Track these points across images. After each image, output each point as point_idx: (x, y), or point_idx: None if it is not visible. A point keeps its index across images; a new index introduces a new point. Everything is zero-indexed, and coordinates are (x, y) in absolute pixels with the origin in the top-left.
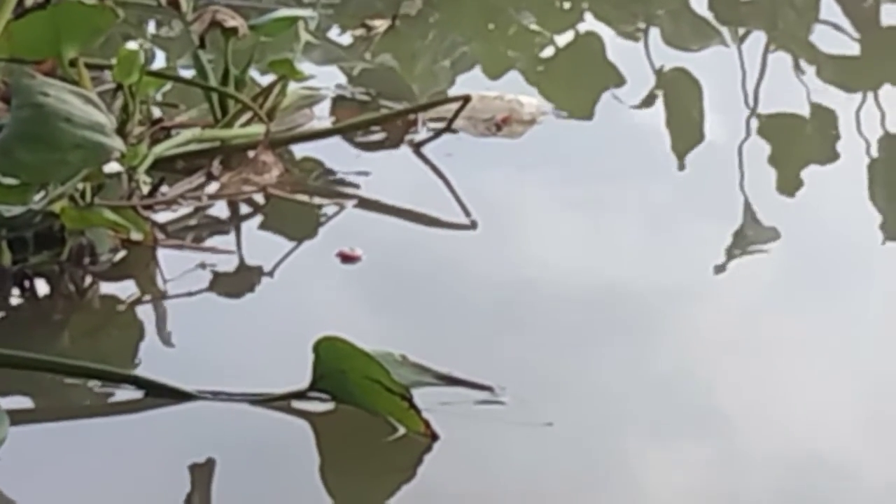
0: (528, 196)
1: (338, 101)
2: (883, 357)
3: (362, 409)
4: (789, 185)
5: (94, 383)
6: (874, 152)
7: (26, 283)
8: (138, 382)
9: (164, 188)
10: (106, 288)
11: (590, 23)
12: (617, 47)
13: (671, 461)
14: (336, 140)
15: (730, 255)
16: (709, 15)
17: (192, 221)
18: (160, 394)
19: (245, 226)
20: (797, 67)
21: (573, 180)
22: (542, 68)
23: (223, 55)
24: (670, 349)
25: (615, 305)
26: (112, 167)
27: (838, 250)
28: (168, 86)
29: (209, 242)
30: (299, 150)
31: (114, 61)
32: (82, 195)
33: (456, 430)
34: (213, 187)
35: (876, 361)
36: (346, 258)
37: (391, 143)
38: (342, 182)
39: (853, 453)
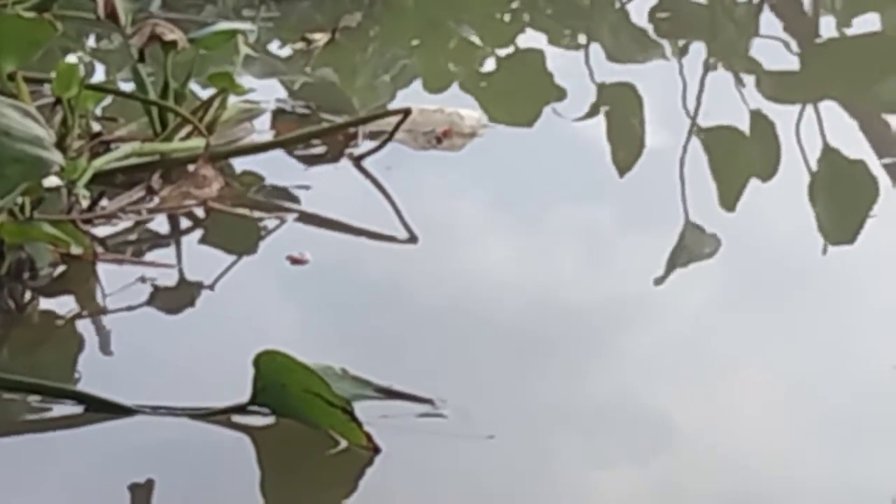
0: (468, 209)
1: (278, 115)
2: (828, 373)
3: (303, 423)
4: (730, 196)
5: (33, 398)
6: (813, 164)
7: None
8: (78, 397)
9: (103, 202)
10: (45, 302)
11: (530, 36)
12: (557, 61)
13: (611, 474)
14: (276, 153)
15: (671, 268)
16: (649, 28)
17: (132, 236)
18: (100, 408)
19: (185, 240)
20: (737, 80)
21: (513, 193)
22: (482, 82)
23: (163, 69)
24: (611, 363)
25: (556, 319)
26: (51, 181)
27: (779, 262)
28: (108, 99)
29: (149, 256)
30: (239, 164)
31: (53, 75)
32: (21, 209)
33: (397, 443)
34: (153, 201)
35: (821, 378)
36: (295, 261)
37: (332, 156)
38: (283, 196)
39: (794, 476)
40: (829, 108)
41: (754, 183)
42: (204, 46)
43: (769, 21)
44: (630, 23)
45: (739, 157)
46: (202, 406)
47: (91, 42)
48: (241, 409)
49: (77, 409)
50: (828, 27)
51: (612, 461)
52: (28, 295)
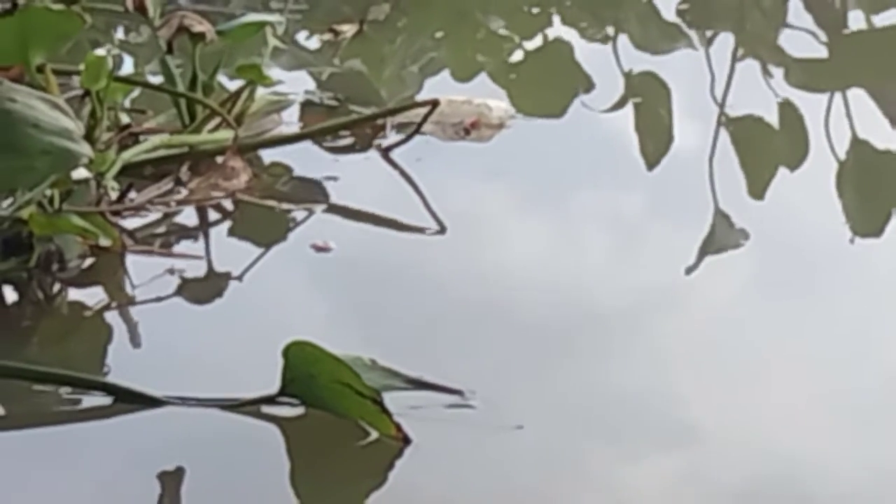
0: (496, 200)
1: (306, 106)
2: (855, 363)
3: (333, 414)
4: (758, 186)
5: (63, 390)
6: (842, 154)
7: None
8: (107, 388)
9: (132, 194)
10: (74, 294)
11: (558, 27)
12: (585, 52)
13: (640, 464)
14: (305, 145)
15: (700, 260)
16: (676, 18)
17: (161, 227)
18: (129, 400)
19: (214, 231)
20: (765, 70)
21: (542, 184)
22: (511, 73)
23: (191, 60)
24: (640, 355)
25: (585, 310)
26: (80, 173)
27: (806, 253)
28: (136, 91)
29: (178, 248)
30: (268, 156)
31: (81, 67)
32: (50, 201)
33: (426, 434)
34: (181, 193)
35: (849, 367)
36: (319, 249)
37: (360, 147)
38: (311, 187)
39: (823, 466)
40: (858, 98)
41: (782, 174)
42: (232, 38)
43: (797, 10)
44: (658, 13)
45: (768, 147)
46: (231, 397)
47: (119, 34)
48: (270, 400)
49: (106, 400)
50: (856, 18)
51: (641, 451)
52: (57, 286)
